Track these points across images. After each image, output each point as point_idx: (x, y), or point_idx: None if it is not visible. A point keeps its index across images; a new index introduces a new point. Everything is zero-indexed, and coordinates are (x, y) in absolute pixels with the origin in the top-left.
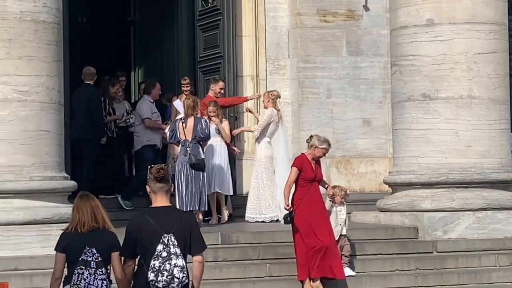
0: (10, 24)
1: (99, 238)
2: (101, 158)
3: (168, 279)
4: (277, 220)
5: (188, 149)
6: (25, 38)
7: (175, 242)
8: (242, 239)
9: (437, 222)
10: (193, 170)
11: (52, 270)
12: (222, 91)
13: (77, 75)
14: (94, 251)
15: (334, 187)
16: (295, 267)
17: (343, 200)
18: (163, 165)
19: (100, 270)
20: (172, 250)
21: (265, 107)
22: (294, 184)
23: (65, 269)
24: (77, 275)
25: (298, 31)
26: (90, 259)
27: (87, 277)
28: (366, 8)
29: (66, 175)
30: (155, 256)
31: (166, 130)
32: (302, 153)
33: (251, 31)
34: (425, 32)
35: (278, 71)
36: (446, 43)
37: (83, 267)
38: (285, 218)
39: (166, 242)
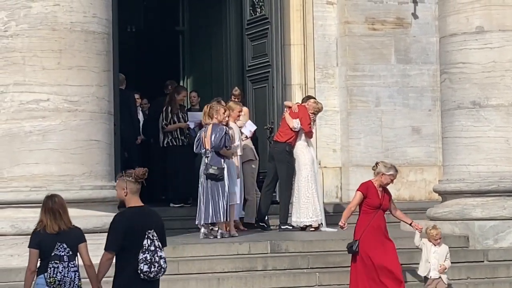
0: (60, 35)
1: (67, 234)
2: (163, 165)
3: (158, 269)
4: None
5: (206, 159)
6: (75, 48)
7: (157, 237)
8: (292, 248)
9: (488, 230)
10: (210, 181)
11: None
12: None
13: (126, 85)
14: (65, 245)
15: (427, 228)
16: (344, 276)
17: (439, 241)
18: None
19: (72, 263)
20: (156, 243)
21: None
22: (358, 210)
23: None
24: (52, 268)
25: (347, 39)
26: (63, 253)
27: (62, 270)
28: (415, 15)
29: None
30: (144, 250)
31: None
32: (369, 180)
33: (299, 39)
34: (474, 40)
35: (326, 79)
36: (496, 51)
37: (58, 261)
38: (349, 247)
39: (151, 237)
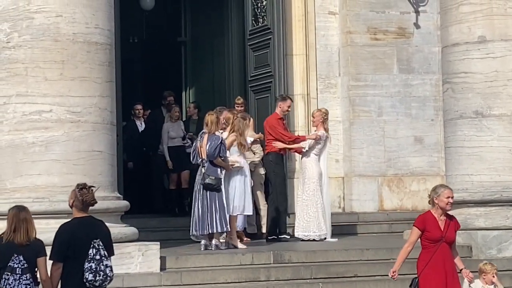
0: (63, 46)
1: (27, 247)
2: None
3: (103, 278)
4: (325, 238)
5: (203, 168)
6: (77, 59)
7: (103, 246)
8: (295, 258)
9: (491, 240)
10: (207, 191)
11: None
12: (289, 110)
13: (129, 96)
14: (21, 258)
15: (485, 263)
16: (347, 286)
17: (494, 278)
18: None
19: (25, 275)
20: (102, 253)
21: (315, 126)
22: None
23: None
24: (3, 280)
25: (349, 49)
26: (17, 266)
27: (11, 282)
28: (417, 25)
29: (118, 195)
30: (89, 259)
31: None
32: (427, 211)
33: (301, 49)
34: (477, 49)
35: (329, 89)
36: (499, 60)
37: (9, 273)
38: (410, 286)
39: (97, 246)
